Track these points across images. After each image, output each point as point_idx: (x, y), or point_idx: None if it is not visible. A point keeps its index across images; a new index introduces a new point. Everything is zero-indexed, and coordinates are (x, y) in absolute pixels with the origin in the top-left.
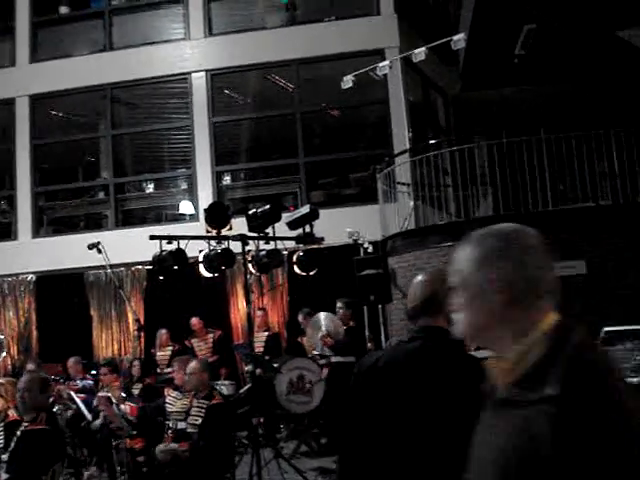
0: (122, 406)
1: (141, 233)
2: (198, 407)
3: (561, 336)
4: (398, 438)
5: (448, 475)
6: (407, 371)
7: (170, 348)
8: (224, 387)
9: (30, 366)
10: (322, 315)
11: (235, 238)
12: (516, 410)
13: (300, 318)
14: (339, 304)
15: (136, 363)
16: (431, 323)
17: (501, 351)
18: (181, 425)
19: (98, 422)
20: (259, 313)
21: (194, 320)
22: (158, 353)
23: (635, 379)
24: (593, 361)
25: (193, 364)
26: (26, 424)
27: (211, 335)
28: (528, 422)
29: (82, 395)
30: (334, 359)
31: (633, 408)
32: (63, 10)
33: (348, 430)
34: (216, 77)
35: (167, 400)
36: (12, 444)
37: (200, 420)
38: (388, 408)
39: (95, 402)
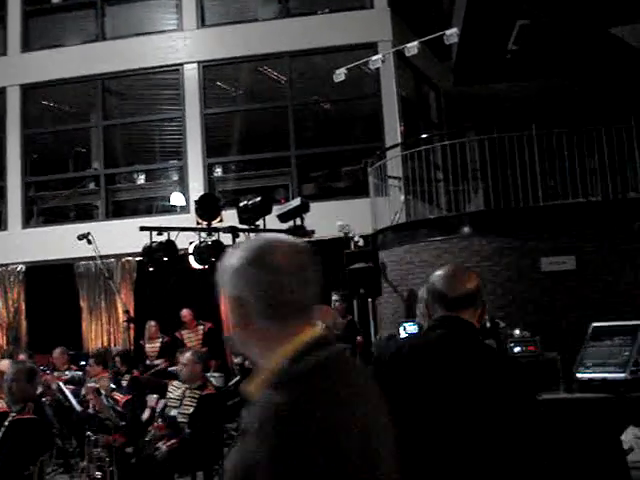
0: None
1: (131, 224)
2: (191, 397)
3: (295, 359)
4: (421, 426)
5: (470, 460)
6: (433, 358)
7: (159, 340)
8: (213, 379)
9: (21, 356)
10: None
11: (226, 230)
12: (244, 435)
13: None
14: (335, 297)
15: (117, 359)
16: (454, 314)
17: (259, 366)
18: (173, 412)
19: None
20: None
21: (184, 311)
22: (147, 345)
23: (622, 375)
24: (307, 392)
25: (187, 355)
26: (14, 414)
27: (201, 327)
28: (242, 451)
29: (71, 386)
30: None
31: (336, 448)
32: None
33: None
34: (208, 69)
35: (169, 389)
36: (0, 435)
37: (192, 410)
38: (413, 395)
39: (83, 392)
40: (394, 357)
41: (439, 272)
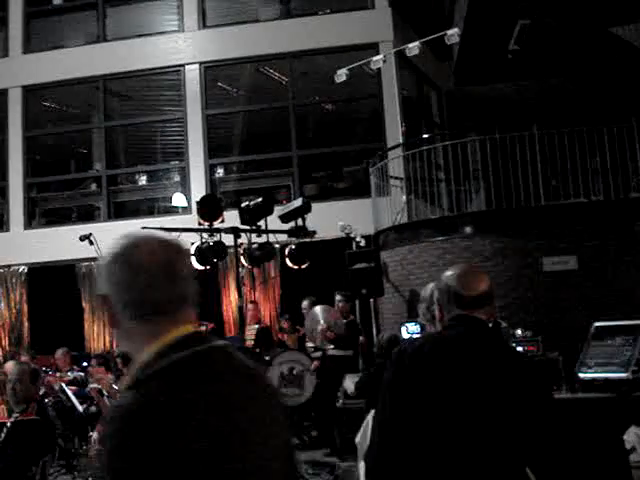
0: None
1: (133, 225)
2: None
3: (155, 359)
4: (445, 422)
5: (491, 454)
6: (455, 357)
7: None
8: None
9: (23, 357)
10: (319, 309)
11: (227, 231)
12: None
13: (304, 305)
14: (338, 297)
15: (119, 360)
16: (469, 313)
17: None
18: None
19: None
20: (250, 306)
21: None
22: None
23: (624, 374)
24: (154, 393)
25: None
26: (16, 415)
27: (203, 327)
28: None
29: (73, 387)
30: (331, 352)
31: (177, 452)
32: (56, 1)
33: (389, 415)
34: (210, 69)
35: None
36: (2, 435)
37: None
38: (438, 393)
39: (88, 389)
40: (415, 356)
41: (451, 272)
